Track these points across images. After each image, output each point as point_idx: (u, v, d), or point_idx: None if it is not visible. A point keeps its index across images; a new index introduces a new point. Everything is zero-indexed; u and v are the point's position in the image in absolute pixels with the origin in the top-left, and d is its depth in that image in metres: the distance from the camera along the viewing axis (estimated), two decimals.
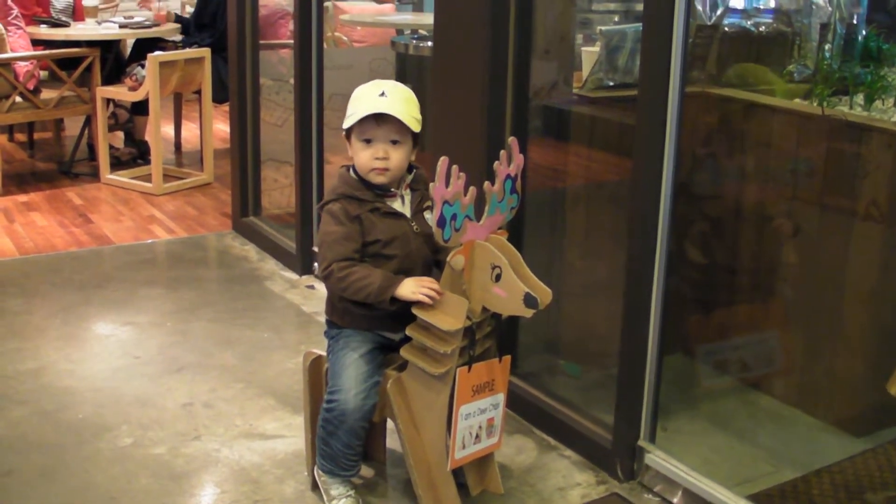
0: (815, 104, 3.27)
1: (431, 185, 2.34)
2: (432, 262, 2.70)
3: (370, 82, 2.64)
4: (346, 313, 2.67)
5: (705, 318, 3.53)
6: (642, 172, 2.76)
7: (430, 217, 2.61)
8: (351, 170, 2.67)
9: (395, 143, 2.59)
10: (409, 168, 2.69)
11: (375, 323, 2.65)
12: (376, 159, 2.58)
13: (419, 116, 2.61)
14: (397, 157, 2.59)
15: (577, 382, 3.50)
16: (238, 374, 3.62)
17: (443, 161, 2.32)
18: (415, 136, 2.62)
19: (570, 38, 3.74)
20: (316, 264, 2.65)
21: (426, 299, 2.49)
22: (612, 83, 3.52)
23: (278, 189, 5.41)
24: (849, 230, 3.16)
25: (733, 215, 3.44)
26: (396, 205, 2.66)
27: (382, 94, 2.56)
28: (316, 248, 2.64)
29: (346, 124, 2.61)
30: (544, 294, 2.48)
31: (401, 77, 6.04)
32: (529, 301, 2.42)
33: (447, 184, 2.34)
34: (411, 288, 2.51)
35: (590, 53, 3.67)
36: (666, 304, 2.81)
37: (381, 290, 2.52)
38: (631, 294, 2.86)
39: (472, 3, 3.21)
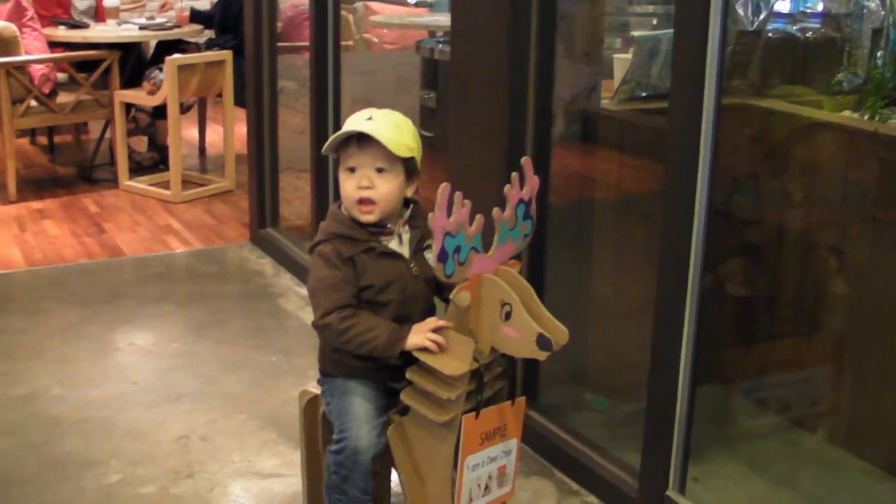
0: (865, 117, 3.00)
1: (430, 215, 2.08)
2: (433, 305, 2.43)
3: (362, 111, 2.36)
4: (341, 364, 2.39)
5: (744, 351, 3.24)
6: (674, 192, 2.50)
7: (431, 256, 2.31)
8: (343, 206, 2.38)
9: (380, 171, 2.29)
10: (406, 203, 2.40)
11: (376, 374, 2.37)
12: (359, 188, 2.29)
13: (413, 144, 2.31)
14: (384, 186, 2.29)
15: (603, 419, 3.23)
16: (240, 404, 3.39)
17: (443, 188, 2.06)
18: (409, 167, 2.34)
19: (598, 43, 3.47)
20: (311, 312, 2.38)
21: (434, 346, 2.23)
22: (645, 94, 3.24)
23: (298, 199, 5.18)
24: None
25: (776, 241, 3.16)
26: (393, 244, 2.36)
27: (370, 118, 2.28)
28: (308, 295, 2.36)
29: (324, 148, 2.33)
30: (560, 334, 2.22)
31: (427, 82, 5.79)
32: (543, 343, 2.16)
33: (448, 213, 2.09)
34: (419, 336, 2.24)
35: (622, 61, 3.39)
36: (699, 337, 2.54)
37: (388, 346, 2.25)
38: (660, 327, 2.60)
39: (490, 7, 2.97)
